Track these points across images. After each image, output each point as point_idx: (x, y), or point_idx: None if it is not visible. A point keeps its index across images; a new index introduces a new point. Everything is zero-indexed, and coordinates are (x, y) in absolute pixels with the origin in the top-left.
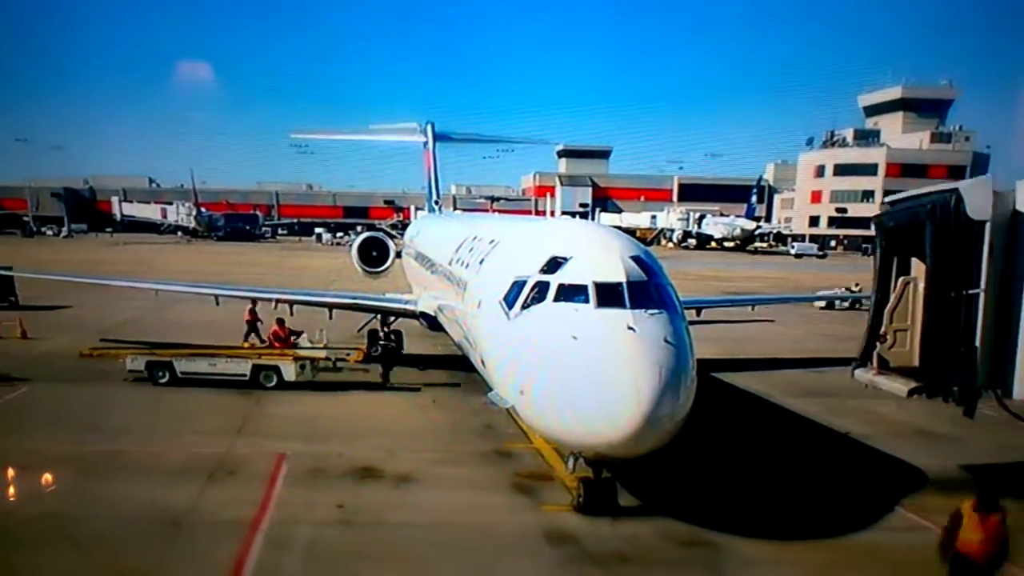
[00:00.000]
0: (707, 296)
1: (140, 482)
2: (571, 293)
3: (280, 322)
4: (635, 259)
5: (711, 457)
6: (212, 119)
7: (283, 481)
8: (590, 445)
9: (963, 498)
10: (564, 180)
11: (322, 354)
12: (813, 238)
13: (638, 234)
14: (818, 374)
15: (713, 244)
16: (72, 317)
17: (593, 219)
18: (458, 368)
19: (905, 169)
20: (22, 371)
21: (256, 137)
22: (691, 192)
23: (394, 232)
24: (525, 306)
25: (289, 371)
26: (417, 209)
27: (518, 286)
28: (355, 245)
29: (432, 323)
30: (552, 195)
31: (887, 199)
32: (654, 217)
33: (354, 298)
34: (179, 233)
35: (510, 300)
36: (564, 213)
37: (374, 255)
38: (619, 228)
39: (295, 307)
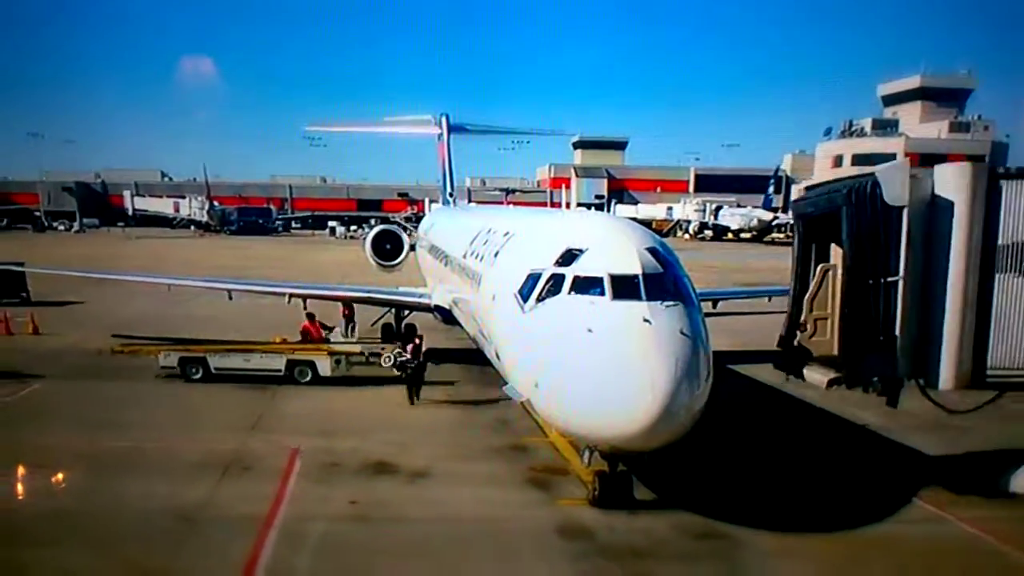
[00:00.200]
0: (723, 288)
1: (155, 478)
2: (586, 285)
3: (311, 317)
4: (651, 251)
5: (727, 449)
6: (225, 112)
7: (297, 477)
8: (605, 438)
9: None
10: (579, 172)
11: (357, 348)
12: None
13: (654, 226)
14: None
15: (730, 235)
16: (84, 313)
17: (609, 211)
18: (473, 362)
19: (923, 159)
20: (34, 367)
21: (270, 130)
22: (708, 183)
23: (408, 225)
24: (540, 299)
25: (324, 366)
26: (431, 202)
27: (533, 278)
28: (369, 238)
29: (447, 316)
30: (567, 187)
31: (804, 185)
32: (670, 208)
33: (368, 292)
34: (192, 227)
35: (525, 293)
36: (579, 205)
37: (388, 248)
38: (635, 220)
39: (308, 301)
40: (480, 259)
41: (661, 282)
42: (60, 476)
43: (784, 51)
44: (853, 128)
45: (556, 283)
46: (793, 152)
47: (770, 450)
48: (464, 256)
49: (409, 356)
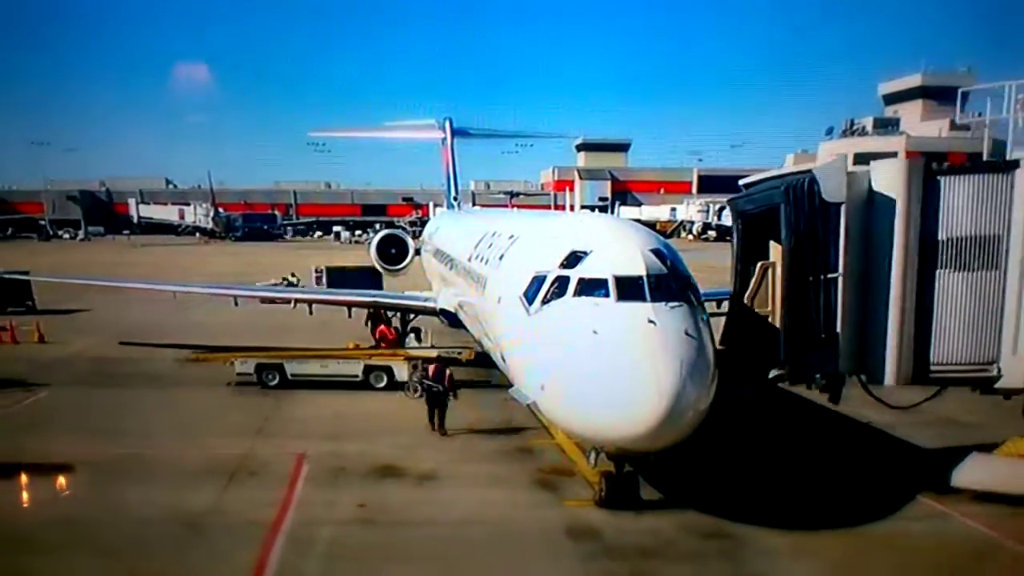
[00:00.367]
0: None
1: (161, 484)
2: (591, 287)
3: (387, 322)
4: (655, 252)
5: (732, 447)
6: (229, 119)
7: (304, 481)
8: (612, 439)
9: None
10: (583, 174)
11: (433, 353)
12: None
13: (658, 227)
14: None
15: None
16: (89, 321)
17: (613, 212)
18: (479, 364)
19: (925, 157)
20: (40, 376)
21: (274, 137)
22: (711, 184)
23: (413, 229)
24: (545, 301)
25: (402, 371)
26: (436, 206)
27: (538, 281)
28: (374, 243)
29: (452, 320)
30: (571, 189)
31: (741, 182)
32: (674, 210)
33: (374, 296)
34: (197, 234)
35: (530, 295)
36: (583, 207)
37: (393, 253)
38: (639, 221)
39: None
40: (485, 262)
41: (665, 283)
42: (63, 482)
43: (786, 51)
44: (854, 127)
45: (561, 285)
46: (796, 151)
47: (769, 446)
48: (469, 259)
49: (432, 378)
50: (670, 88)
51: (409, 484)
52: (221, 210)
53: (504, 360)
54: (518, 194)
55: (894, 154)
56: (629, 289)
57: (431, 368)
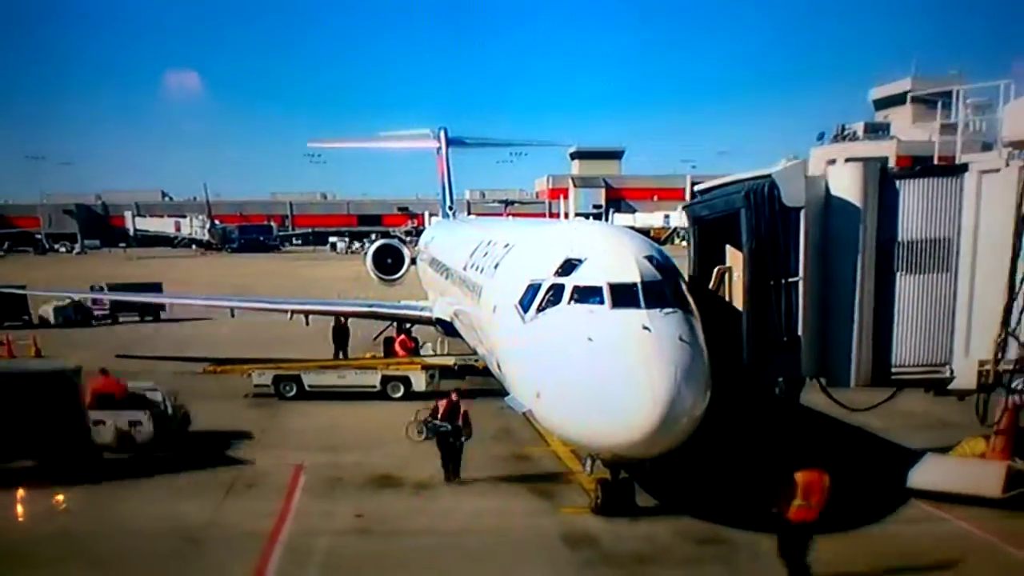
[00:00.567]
0: None
1: (158, 497)
2: (586, 295)
3: (407, 332)
4: (649, 259)
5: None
6: (224, 131)
7: (301, 492)
8: (607, 446)
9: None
10: (577, 182)
11: (451, 361)
12: None
13: (652, 234)
14: None
15: None
16: (86, 335)
17: (607, 220)
18: (475, 373)
19: (915, 161)
20: None
21: (269, 148)
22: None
23: (408, 239)
24: (540, 309)
25: (420, 381)
26: (431, 215)
27: (533, 289)
28: (370, 253)
29: (448, 329)
30: (565, 197)
31: (697, 187)
32: (667, 216)
33: (370, 306)
34: (193, 246)
35: (525, 303)
36: (578, 215)
37: (389, 263)
38: (633, 228)
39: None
40: (480, 271)
41: (660, 289)
42: (60, 495)
43: (777, 57)
44: (845, 132)
45: (556, 293)
46: (787, 157)
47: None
48: (464, 268)
49: (442, 417)
50: (663, 96)
51: (406, 493)
52: (217, 222)
53: (500, 368)
54: (513, 202)
55: (885, 158)
56: (624, 296)
57: (442, 405)
